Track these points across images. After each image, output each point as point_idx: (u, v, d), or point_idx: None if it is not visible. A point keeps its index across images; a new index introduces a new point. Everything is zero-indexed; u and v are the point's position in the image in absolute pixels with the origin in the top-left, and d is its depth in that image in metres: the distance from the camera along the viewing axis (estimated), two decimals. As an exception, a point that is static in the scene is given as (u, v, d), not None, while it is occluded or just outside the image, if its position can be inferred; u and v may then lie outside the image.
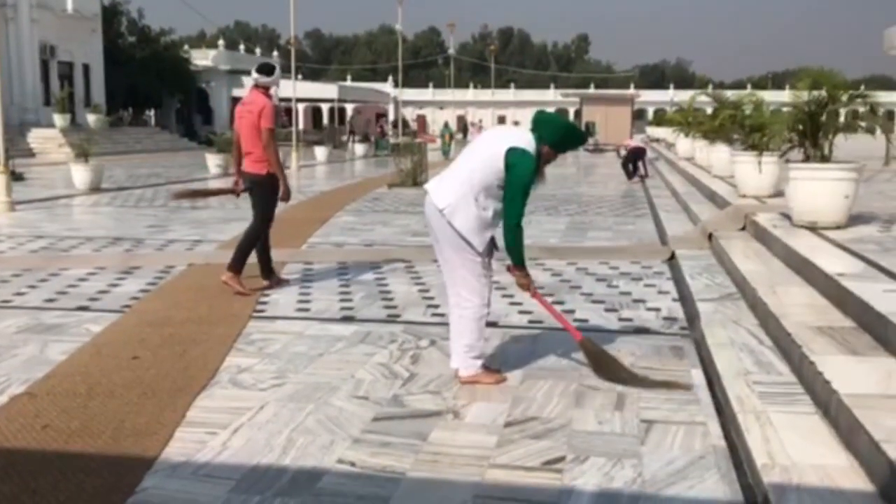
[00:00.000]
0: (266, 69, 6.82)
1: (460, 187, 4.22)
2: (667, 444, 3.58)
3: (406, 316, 5.96)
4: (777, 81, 74.28)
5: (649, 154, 22.66)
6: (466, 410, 4.00)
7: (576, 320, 5.82)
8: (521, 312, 6.06)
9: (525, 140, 4.22)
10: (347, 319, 5.84)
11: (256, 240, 6.80)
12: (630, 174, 20.16)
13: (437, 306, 6.19)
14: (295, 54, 30.43)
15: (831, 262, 5.72)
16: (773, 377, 4.14)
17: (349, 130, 44.49)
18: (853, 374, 3.70)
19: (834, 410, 3.43)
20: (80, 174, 16.25)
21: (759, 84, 66.85)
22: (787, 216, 7.85)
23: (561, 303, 6.36)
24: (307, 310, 6.15)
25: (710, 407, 4.06)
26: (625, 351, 5.02)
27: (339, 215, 12.45)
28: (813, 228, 7.12)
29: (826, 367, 3.76)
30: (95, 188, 16.22)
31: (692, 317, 5.82)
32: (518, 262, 4.36)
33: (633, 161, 20.44)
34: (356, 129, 49.05)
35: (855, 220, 7.47)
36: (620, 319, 5.88)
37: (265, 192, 6.76)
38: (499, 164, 4.15)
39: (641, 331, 5.56)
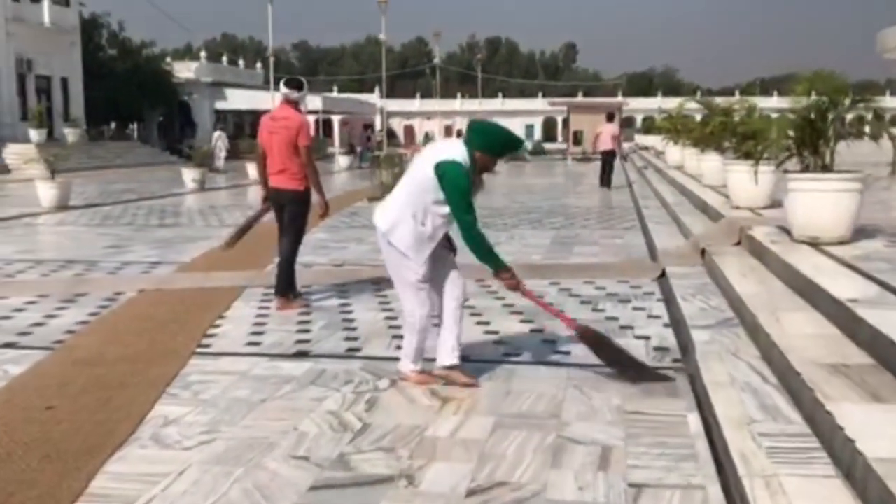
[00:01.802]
0: (295, 84, 6.69)
1: (398, 207, 4.34)
2: (659, 518, 2.98)
3: (367, 349, 5.34)
4: (765, 88, 74.03)
5: (631, 158, 22.35)
6: (423, 473, 3.39)
7: (557, 352, 5.24)
8: (497, 343, 5.46)
9: (453, 152, 4.26)
10: (301, 355, 5.22)
11: (296, 257, 6.78)
12: (606, 180, 19.72)
13: (402, 337, 5.57)
14: (282, 66, 29.90)
15: (840, 284, 5.14)
16: (782, 426, 3.55)
17: (348, 143, 43.78)
18: (879, 428, 3.11)
19: (861, 477, 2.84)
20: (46, 191, 15.59)
21: (748, 90, 66.47)
22: (785, 230, 7.27)
23: (540, 331, 5.77)
24: (258, 344, 5.52)
25: (709, 464, 3.46)
26: (612, 390, 4.44)
27: (313, 231, 11.73)
28: (815, 244, 6.54)
29: (846, 420, 3.16)
30: (63, 206, 15.54)
31: (686, 346, 5.23)
32: (498, 267, 4.36)
33: (606, 165, 20.06)
34: (343, 141, 48.50)
35: (859, 234, 6.89)
36: (606, 350, 5.26)
37: (304, 208, 6.76)
38: (431, 183, 4.22)
39: (629, 364, 4.95)
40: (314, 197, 6.78)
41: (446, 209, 4.23)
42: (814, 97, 6.72)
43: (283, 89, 6.65)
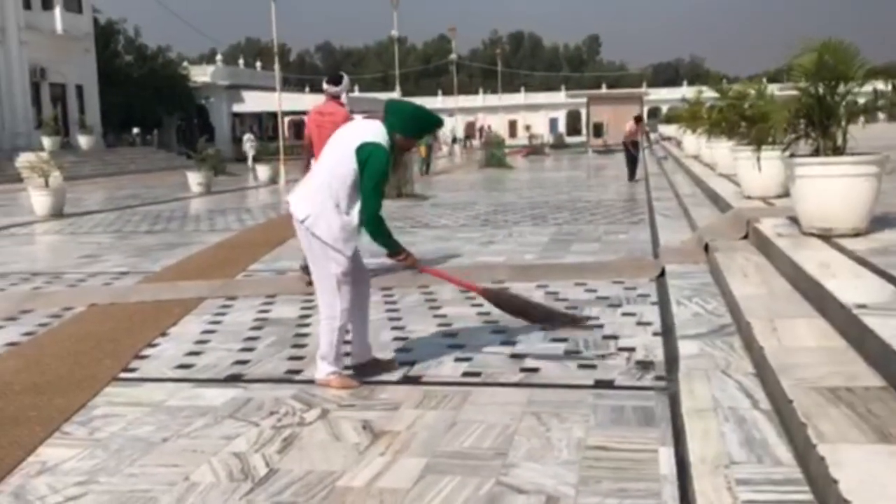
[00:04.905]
0: (334, 79, 7.16)
1: (318, 195, 4.13)
2: None
3: (309, 371, 4.70)
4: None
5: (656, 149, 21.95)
6: (318, 539, 2.75)
7: (524, 370, 4.57)
8: (459, 360, 4.80)
9: (374, 132, 4.10)
10: (232, 380, 4.60)
11: None
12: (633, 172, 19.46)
13: (348, 354, 4.94)
14: (306, 68, 29.63)
15: (849, 285, 4.40)
16: (767, 469, 2.86)
17: None
18: (883, 482, 2.42)
19: (855, 553, 2.16)
20: (39, 199, 15.18)
21: (775, 78, 64.65)
22: (797, 221, 6.53)
23: (512, 343, 5.10)
24: (191, 366, 4.91)
25: (675, 521, 2.79)
26: (577, 417, 3.77)
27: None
28: (826, 237, 5.80)
29: (842, 470, 2.47)
30: (56, 214, 15.12)
31: (673, 360, 4.53)
32: (394, 250, 4.25)
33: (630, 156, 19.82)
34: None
35: (878, 223, 6.13)
36: (581, 367, 4.59)
37: None
38: (352, 165, 4.05)
39: (603, 384, 4.28)
40: None
41: None
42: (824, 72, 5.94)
43: (325, 86, 7.18)
